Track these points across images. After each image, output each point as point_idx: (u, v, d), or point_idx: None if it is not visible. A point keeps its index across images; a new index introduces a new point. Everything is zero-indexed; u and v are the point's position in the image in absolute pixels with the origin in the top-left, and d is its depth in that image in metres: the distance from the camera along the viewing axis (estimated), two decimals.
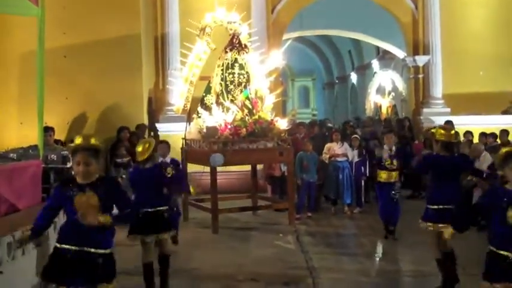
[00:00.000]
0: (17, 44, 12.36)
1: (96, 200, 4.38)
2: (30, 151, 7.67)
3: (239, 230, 10.40)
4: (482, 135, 12.87)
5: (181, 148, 11.32)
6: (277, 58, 12.07)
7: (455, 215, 5.83)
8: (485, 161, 10.56)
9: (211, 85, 10.85)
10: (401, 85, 21.35)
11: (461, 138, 12.45)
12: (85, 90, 12.77)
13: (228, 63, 10.66)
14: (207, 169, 10.23)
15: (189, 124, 11.23)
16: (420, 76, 16.16)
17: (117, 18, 13.02)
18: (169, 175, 8.21)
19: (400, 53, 17.98)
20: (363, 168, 11.97)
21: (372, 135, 14.14)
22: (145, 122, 13.48)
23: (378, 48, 23.07)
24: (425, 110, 15.79)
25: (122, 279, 6.87)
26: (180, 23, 14.06)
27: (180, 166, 9.21)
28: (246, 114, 10.43)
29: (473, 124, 14.37)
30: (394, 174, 9.23)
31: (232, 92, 10.60)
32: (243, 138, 10.28)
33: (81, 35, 12.82)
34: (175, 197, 8.54)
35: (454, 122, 14.31)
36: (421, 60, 15.97)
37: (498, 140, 12.54)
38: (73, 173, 4.68)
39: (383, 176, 9.25)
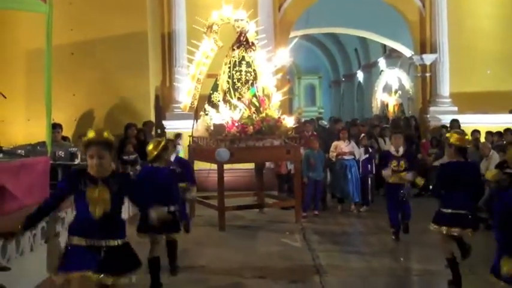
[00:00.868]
0: (24, 41, 12.41)
1: (108, 194, 4.39)
2: (38, 147, 7.71)
3: (246, 228, 10.40)
4: (489, 134, 12.85)
5: (188, 146, 11.33)
6: (284, 56, 12.07)
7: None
8: (492, 159, 10.55)
9: (218, 83, 10.85)
10: (408, 83, 21.29)
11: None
12: (92, 87, 12.80)
13: (235, 61, 10.65)
14: (214, 167, 10.24)
15: (196, 122, 11.24)
16: (427, 74, 16.12)
17: (124, 16, 13.04)
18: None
19: (407, 52, 17.94)
20: (369, 166, 11.95)
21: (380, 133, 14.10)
22: (153, 119, 13.49)
23: (384, 46, 23.03)
24: (432, 108, 15.76)
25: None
26: (187, 21, 14.09)
27: (187, 164, 9.15)
28: (253, 112, 10.42)
29: (480, 123, 14.35)
30: (403, 175, 9.13)
31: (239, 90, 10.60)
32: (250, 136, 10.27)
33: (89, 32, 12.85)
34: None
35: (460, 121, 14.30)
36: (428, 58, 15.93)
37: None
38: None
39: (392, 178, 9.15)
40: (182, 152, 11.56)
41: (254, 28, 11.04)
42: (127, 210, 10.18)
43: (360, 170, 11.82)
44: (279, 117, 10.60)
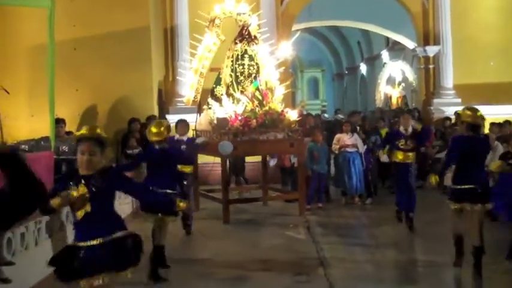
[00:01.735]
0: (27, 37, 12.39)
1: (85, 193, 4.23)
2: (42, 143, 7.74)
3: (250, 221, 10.42)
4: (493, 125, 12.79)
5: None
6: (287, 49, 12.04)
7: None
8: (497, 150, 10.52)
9: (221, 76, 10.84)
10: (411, 76, 21.25)
11: None
12: (95, 82, 12.79)
13: (238, 54, 10.65)
14: (218, 160, 10.25)
15: (199, 115, 11.24)
16: (431, 66, 16.07)
17: (126, 11, 13.01)
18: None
19: (410, 44, 17.89)
20: (371, 159, 11.98)
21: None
22: (156, 113, 13.49)
23: (387, 38, 22.98)
24: (435, 100, 15.72)
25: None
26: (189, 15, 14.06)
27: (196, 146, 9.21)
28: (256, 106, 10.42)
29: (484, 114, 14.23)
30: (411, 154, 9.24)
31: (242, 83, 10.60)
32: (253, 129, 10.27)
33: (91, 28, 12.82)
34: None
35: None
36: (431, 50, 15.88)
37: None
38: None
39: (399, 156, 9.29)
40: None
41: (256, 21, 11.02)
42: (130, 204, 10.25)
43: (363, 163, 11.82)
44: (282, 111, 10.59)
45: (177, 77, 13.62)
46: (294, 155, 11.60)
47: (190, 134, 10.69)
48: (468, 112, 6.75)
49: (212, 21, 10.84)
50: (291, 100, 16.36)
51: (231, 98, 10.49)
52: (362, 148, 11.75)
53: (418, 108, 16.60)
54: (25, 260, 5.97)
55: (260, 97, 10.53)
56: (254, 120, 10.25)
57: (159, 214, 6.78)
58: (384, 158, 9.99)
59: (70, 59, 12.05)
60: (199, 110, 11.35)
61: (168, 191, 6.68)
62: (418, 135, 9.53)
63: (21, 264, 5.75)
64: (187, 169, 8.92)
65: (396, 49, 22.80)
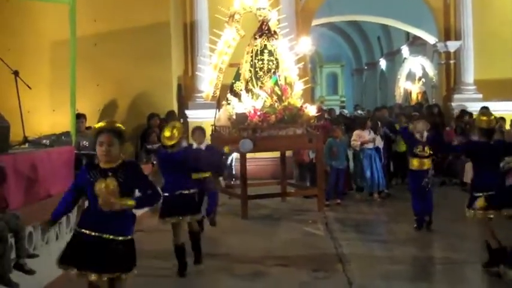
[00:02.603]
0: (48, 32, 12.51)
1: (115, 186, 4.31)
2: (63, 137, 7.80)
3: (268, 216, 10.43)
4: (501, 119, 12.65)
5: (211, 135, 11.36)
6: (306, 44, 12.02)
7: None
8: None
9: (240, 72, 10.85)
10: (431, 71, 21.06)
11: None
12: (115, 77, 12.87)
13: (258, 49, 10.64)
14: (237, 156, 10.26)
15: (219, 111, 11.27)
16: (451, 62, 15.92)
17: (146, 6, 13.07)
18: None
19: (430, 39, 17.74)
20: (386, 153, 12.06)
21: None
22: (175, 108, 13.55)
23: (407, 33, 22.82)
24: (456, 96, 15.59)
25: (156, 263, 7.08)
26: (209, 10, 14.08)
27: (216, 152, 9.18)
28: (275, 101, 10.41)
29: (506, 110, 14.16)
30: (427, 161, 8.98)
31: (261, 79, 10.60)
32: (272, 125, 10.27)
33: (111, 23, 12.90)
34: (210, 178, 8.67)
35: None
36: (452, 45, 15.73)
37: None
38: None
39: (415, 163, 8.96)
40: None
41: (276, 17, 11.01)
42: None
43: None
44: (301, 106, 10.57)
45: (197, 72, 13.65)
46: (313, 151, 11.59)
47: (209, 130, 10.66)
48: (483, 117, 6.72)
49: (232, 16, 10.84)
50: (310, 95, 16.30)
51: (250, 93, 10.49)
52: (379, 143, 11.72)
53: (439, 104, 16.47)
54: (46, 253, 6.04)
55: (279, 92, 10.52)
56: (273, 116, 10.25)
57: (176, 216, 6.79)
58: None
59: (91, 54, 12.14)
60: (219, 106, 11.37)
61: (185, 192, 6.75)
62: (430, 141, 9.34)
63: (42, 257, 5.81)
64: (206, 174, 8.66)
65: (416, 44, 22.64)
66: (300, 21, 14.87)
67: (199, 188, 7.22)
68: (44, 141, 7.60)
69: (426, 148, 8.90)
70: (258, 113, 10.19)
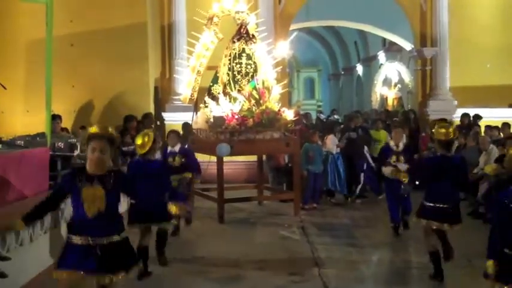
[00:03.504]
0: (24, 32, 12.37)
1: (102, 193, 4.32)
2: (38, 138, 7.70)
3: (245, 220, 10.42)
4: (488, 128, 12.85)
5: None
6: (284, 49, 12.04)
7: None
8: (492, 154, 10.56)
9: (218, 75, 10.83)
10: (407, 77, 21.28)
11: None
12: (91, 78, 12.77)
13: (236, 53, 10.63)
14: (213, 159, 10.23)
15: (196, 114, 11.23)
16: (427, 68, 16.08)
17: (124, 7, 13.00)
18: (176, 164, 8.38)
19: (407, 45, 17.89)
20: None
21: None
22: (152, 111, 13.47)
23: (384, 39, 22.99)
24: (431, 102, 15.73)
25: None
26: (187, 12, 14.03)
27: (190, 154, 9.22)
28: (253, 105, 10.40)
29: (480, 117, 14.34)
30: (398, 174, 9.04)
31: (239, 82, 10.58)
32: (250, 129, 10.26)
33: (88, 24, 12.81)
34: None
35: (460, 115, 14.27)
36: (428, 52, 15.88)
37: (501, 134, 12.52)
38: (82, 161, 4.62)
39: (391, 173, 9.01)
40: None
41: (254, 20, 11.01)
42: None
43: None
44: (279, 110, 10.58)
45: (174, 75, 13.59)
46: (289, 155, 11.62)
47: None
48: (441, 130, 6.66)
49: (210, 19, 10.82)
50: (287, 100, 16.33)
51: (228, 96, 10.47)
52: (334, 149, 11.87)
53: (414, 109, 16.62)
54: (20, 256, 5.95)
55: (257, 96, 10.51)
56: (251, 119, 10.23)
57: (147, 223, 6.78)
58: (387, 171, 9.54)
59: (67, 54, 12.04)
60: (196, 109, 11.33)
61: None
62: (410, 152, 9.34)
63: (16, 260, 5.72)
64: (188, 175, 8.98)
65: (393, 50, 22.82)
66: (278, 25, 14.90)
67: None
68: (19, 142, 7.50)
69: (401, 158, 8.92)
70: (236, 117, 10.17)
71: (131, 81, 12.90)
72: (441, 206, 6.53)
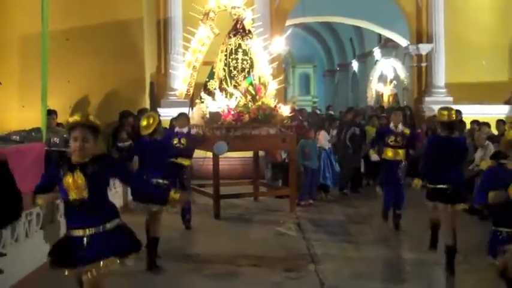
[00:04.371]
0: (19, 26, 12.29)
1: (83, 181, 4.24)
2: (33, 134, 7.68)
3: (241, 216, 10.41)
4: (483, 124, 12.83)
5: None
6: (280, 44, 12.03)
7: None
8: (487, 150, 10.57)
9: (214, 70, 10.80)
10: (403, 73, 21.24)
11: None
12: (87, 73, 12.71)
13: (232, 48, 10.61)
14: (209, 154, 10.21)
15: (192, 109, 11.20)
16: (423, 65, 16.10)
17: (120, 2, 12.95)
18: (181, 146, 8.46)
19: (402, 41, 17.90)
20: None
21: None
22: (148, 106, 13.43)
23: (379, 36, 22.99)
24: (427, 98, 15.76)
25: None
26: (183, 7, 13.99)
27: (193, 141, 9.25)
28: (249, 100, 10.38)
29: (476, 114, 14.33)
30: (401, 152, 9.17)
31: (235, 78, 10.56)
32: (246, 124, 10.24)
33: (84, 18, 12.73)
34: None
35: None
36: (424, 48, 15.91)
37: (494, 130, 12.54)
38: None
39: (389, 153, 9.20)
40: None
41: (251, 16, 10.97)
42: (121, 198, 10.20)
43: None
44: (275, 106, 10.56)
45: (170, 70, 13.57)
46: (285, 151, 11.62)
47: None
48: (443, 112, 6.87)
49: (206, 14, 10.79)
50: (282, 96, 16.32)
51: (224, 92, 10.45)
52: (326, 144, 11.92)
53: (410, 106, 16.63)
54: (15, 251, 5.93)
55: (253, 92, 10.49)
56: (247, 115, 10.21)
57: (149, 204, 6.79)
58: (374, 157, 9.88)
59: (62, 49, 11.96)
60: (192, 104, 11.31)
61: (160, 181, 6.73)
62: (408, 138, 9.47)
63: (11, 255, 5.70)
64: (186, 162, 8.98)
65: (388, 46, 22.80)
66: (274, 21, 14.89)
67: (176, 177, 7.32)
68: (14, 137, 7.49)
69: (399, 138, 9.11)
70: (232, 112, 10.16)
71: (127, 77, 12.85)
72: (443, 187, 6.69)
